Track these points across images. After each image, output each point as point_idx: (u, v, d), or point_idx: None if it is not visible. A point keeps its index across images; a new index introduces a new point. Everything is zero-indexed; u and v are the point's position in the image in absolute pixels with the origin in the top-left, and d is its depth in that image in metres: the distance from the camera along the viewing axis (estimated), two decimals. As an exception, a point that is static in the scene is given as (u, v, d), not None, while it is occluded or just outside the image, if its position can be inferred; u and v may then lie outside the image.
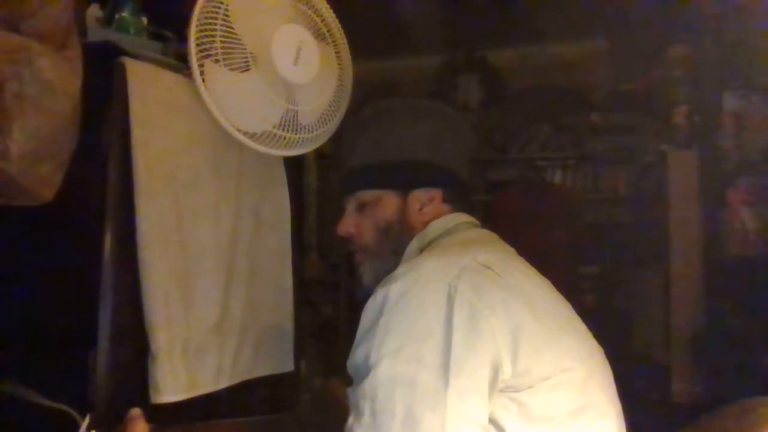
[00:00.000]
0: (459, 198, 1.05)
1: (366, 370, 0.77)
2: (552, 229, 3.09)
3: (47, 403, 0.91)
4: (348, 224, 1.05)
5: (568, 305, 0.93)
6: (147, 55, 1.16)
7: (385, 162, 1.02)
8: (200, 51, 1.12)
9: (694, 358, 2.78)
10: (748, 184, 2.63)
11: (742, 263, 2.58)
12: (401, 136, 1.03)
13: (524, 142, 4.34)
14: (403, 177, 1.02)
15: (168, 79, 1.17)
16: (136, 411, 0.90)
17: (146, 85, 1.11)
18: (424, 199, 1.02)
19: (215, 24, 1.13)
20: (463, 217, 1.03)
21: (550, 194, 3.38)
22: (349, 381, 0.82)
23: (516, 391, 0.77)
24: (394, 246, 1.00)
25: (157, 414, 0.99)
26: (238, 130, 1.19)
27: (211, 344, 1.21)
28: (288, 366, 1.41)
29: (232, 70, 1.15)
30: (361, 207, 1.04)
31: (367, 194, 1.03)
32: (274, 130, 1.22)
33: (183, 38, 1.14)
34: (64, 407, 0.90)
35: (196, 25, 1.12)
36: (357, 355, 0.80)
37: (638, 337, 3.40)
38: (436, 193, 1.02)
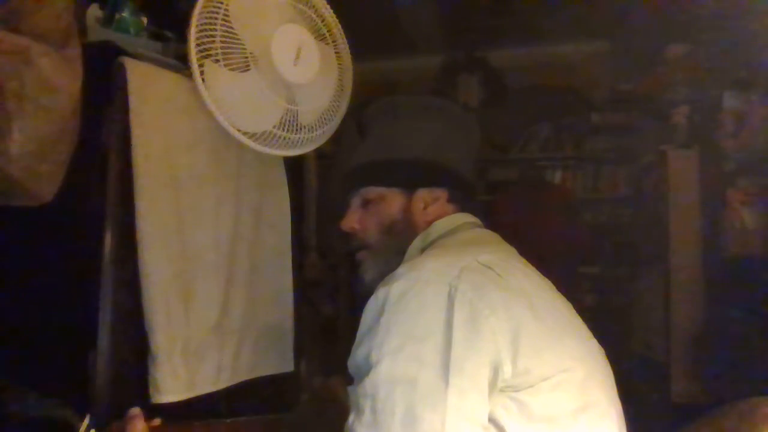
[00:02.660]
0: (464, 198, 1.05)
1: (367, 368, 0.77)
2: (552, 229, 3.08)
3: (48, 410, 0.91)
4: (352, 220, 1.05)
5: (569, 305, 0.93)
6: (147, 55, 1.16)
7: (391, 160, 1.03)
8: (200, 51, 1.12)
9: (694, 358, 2.77)
10: (748, 184, 2.63)
11: (742, 263, 2.58)
12: (408, 134, 1.03)
13: (524, 142, 4.34)
14: (409, 176, 1.02)
15: (168, 79, 1.17)
16: (135, 410, 0.90)
17: (146, 85, 1.11)
18: (428, 198, 1.02)
19: (215, 24, 1.13)
20: (466, 218, 1.03)
21: (550, 194, 3.38)
22: (349, 380, 0.82)
23: (516, 391, 0.77)
24: (397, 244, 1.00)
25: (157, 414, 0.99)
26: (238, 130, 1.19)
27: (211, 344, 1.21)
28: (288, 366, 1.41)
29: (232, 70, 1.15)
30: (366, 203, 1.04)
31: (373, 191, 1.04)
32: (274, 130, 1.22)
33: (183, 38, 1.14)
34: (66, 412, 0.90)
35: (196, 25, 1.12)
36: (358, 354, 0.80)
37: (638, 337, 3.40)
38: (441, 193, 1.02)
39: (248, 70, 1.16)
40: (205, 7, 1.12)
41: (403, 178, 1.02)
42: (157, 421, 0.96)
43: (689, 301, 2.87)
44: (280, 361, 1.39)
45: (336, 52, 1.33)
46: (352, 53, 1.37)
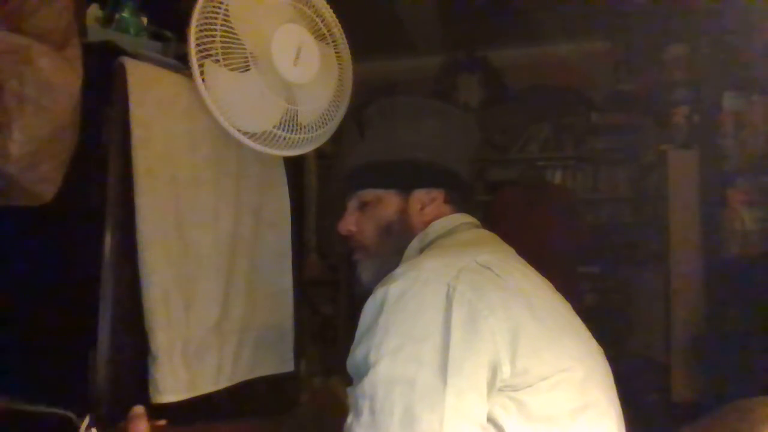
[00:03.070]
0: (461, 199, 1.05)
1: (365, 369, 0.77)
2: (552, 229, 3.08)
3: (44, 410, 0.90)
4: (349, 222, 1.05)
5: (568, 305, 0.93)
6: (147, 55, 1.16)
7: (387, 161, 1.02)
8: (200, 51, 1.12)
9: (694, 358, 2.78)
10: (748, 184, 2.63)
11: (742, 263, 2.58)
12: (405, 135, 1.03)
13: (524, 142, 4.35)
14: (406, 177, 1.02)
15: (168, 79, 1.17)
16: (138, 409, 0.90)
17: (146, 85, 1.11)
18: (425, 199, 1.02)
19: (215, 24, 1.13)
20: (464, 218, 1.03)
21: (550, 194, 3.38)
22: (349, 380, 0.82)
23: (515, 391, 0.77)
24: (395, 246, 1.00)
25: (157, 414, 0.99)
26: (238, 130, 1.19)
27: (211, 344, 1.21)
28: (288, 366, 1.41)
29: (232, 70, 1.15)
30: (363, 206, 1.04)
31: (369, 193, 1.03)
32: (274, 130, 1.22)
33: (183, 38, 1.14)
34: (62, 411, 0.90)
35: (196, 25, 1.12)
36: (356, 354, 0.80)
37: (638, 337, 3.40)
38: (438, 194, 1.02)
39: (248, 70, 1.16)
40: (205, 7, 1.12)
41: (399, 180, 1.02)
42: (161, 422, 0.96)
43: (689, 301, 2.87)
44: (280, 361, 1.39)
45: (336, 52, 1.33)
46: (352, 53, 1.37)
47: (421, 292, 0.79)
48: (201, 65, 1.13)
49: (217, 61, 1.14)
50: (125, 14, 1.21)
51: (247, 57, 1.16)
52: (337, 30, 1.34)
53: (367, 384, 0.75)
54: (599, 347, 0.93)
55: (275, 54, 1.16)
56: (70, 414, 0.89)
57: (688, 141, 3.03)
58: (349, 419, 0.77)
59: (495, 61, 4.39)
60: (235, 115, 1.18)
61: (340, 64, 1.34)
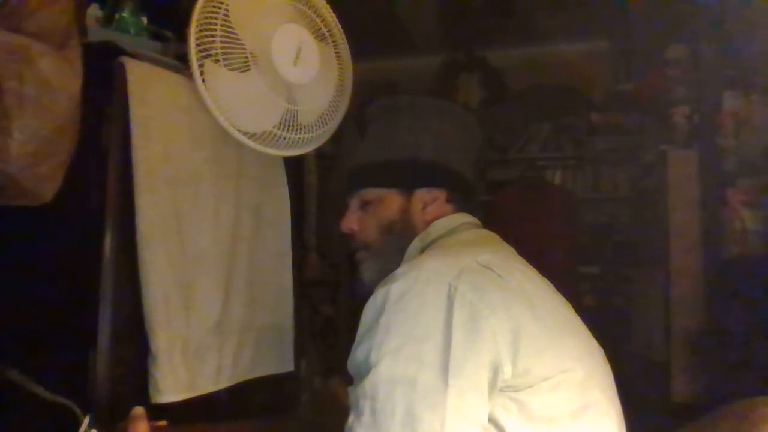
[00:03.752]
0: (463, 198, 1.05)
1: (366, 369, 0.77)
2: (552, 230, 3.09)
3: (49, 396, 0.91)
4: (351, 221, 1.05)
5: (569, 305, 0.93)
6: (147, 55, 1.16)
7: (389, 161, 1.02)
8: (200, 51, 1.12)
9: (694, 358, 2.78)
10: (748, 184, 2.63)
11: (742, 263, 2.58)
12: (407, 134, 1.03)
13: (524, 142, 4.35)
14: (407, 176, 1.02)
15: (168, 79, 1.17)
16: (139, 410, 0.90)
17: (146, 85, 1.11)
18: (427, 198, 1.02)
19: (215, 24, 1.13)
20: (465, 218, 1.02)
21: (550, 194, 3.38)
22: (349, 381, 0.82)
23: (516, 391, 0.77)
24: (397, 245, 1.00)
25: (158, 414, 0.99)
26: (238, 130, 1.19)
27: (211, 344, 1.21)
28: (288, 366, 1.41)
29: (232, 70, 1.15)
30: (365, 204, 1.04)
31: (371, 192, 1.03)
32: (274, 130, 1.22)
33: (183, 38, 1.14)
34: (65, 401, 0.90)
35: (196, 25, 1.12)
36: (357, 354, 0.80)
37: (638, 337, 3.40)
38: (440, 194, 1.02)
39: (248, 70, 1.16)
40: (205, 7, 1.12)
41: (401, 179, 1.02)
42: (162, 423, 0.96)
43: (689, 301, 2.87)
44: (280, 361, 1.39)
45: (336, 52, 1.33)
46: (352, 53, 1.36)
47: (422, 292, 0.79)
48: (201, 65, 1.13)
49: (217, 61, 1.14)
50: (125, 14, 1.21)
51: (247, 57, 1.16)
52: (337, 30, 1.34)
53: (368, 384, 0.75)
54: (599, 347, 0.93)
55: (275, 54, 1.17)
56: (73, 405, 0.89)
57: (688, 141, 3.03)
58: (350, 419, 0.77)
59: (494, 61, 4.39)
60: (235, 115, 1.18)
61: (340, 64, 1.34)
